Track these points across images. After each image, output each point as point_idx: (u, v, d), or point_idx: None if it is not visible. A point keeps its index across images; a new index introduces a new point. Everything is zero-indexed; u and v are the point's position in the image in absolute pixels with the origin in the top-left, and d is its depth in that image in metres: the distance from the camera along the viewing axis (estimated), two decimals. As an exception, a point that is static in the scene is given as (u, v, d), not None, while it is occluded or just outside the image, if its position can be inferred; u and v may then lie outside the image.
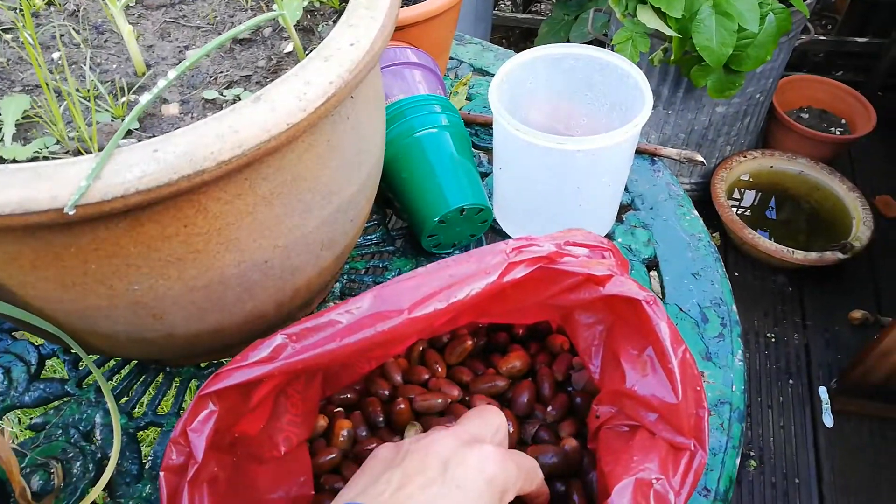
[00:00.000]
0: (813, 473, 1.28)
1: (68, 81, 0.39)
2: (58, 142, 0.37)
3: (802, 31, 1.41)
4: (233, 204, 0.35)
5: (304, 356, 0.33)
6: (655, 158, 0.69)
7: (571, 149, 0.49)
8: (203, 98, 0.40)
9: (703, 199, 1.61)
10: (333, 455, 0.41)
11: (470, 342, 0.45)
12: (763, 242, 1.49)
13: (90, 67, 0.42)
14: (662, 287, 0.57)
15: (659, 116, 1.49)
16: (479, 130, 0.72)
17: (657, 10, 1.14)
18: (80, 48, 0.43)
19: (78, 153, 0.36)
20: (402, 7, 0.64)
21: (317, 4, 0.46)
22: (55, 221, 0.30)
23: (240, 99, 0.39)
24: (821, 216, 1.64)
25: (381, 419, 0.43)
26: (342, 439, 0.42)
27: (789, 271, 1.59)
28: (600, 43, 1.50)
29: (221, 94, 0.40)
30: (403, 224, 0.63)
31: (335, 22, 0.44)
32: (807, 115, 1.81)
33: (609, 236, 0.61)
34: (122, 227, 0.33)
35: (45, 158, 0.36)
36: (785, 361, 1.44)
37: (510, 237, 0.54)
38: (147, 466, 0.46)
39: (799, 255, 1.47)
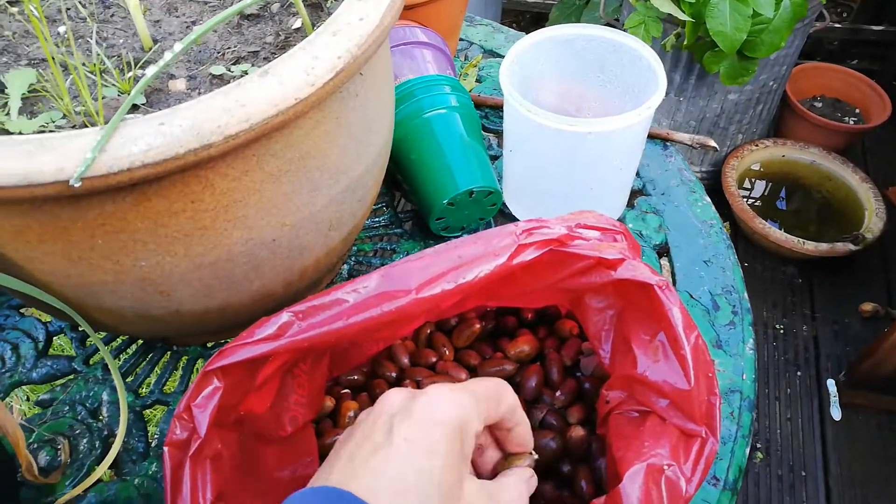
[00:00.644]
0: (820, 466, 1.27)
1: (74, 56, 0.38)
2: (64, 116, 0.36)
3: (818, 17, 1.39)
4: (240, 180, 0.34)
5: (310, 334, 0.33)
6: (667, 143, 0.68)
7: (583, 130, 0.48)
8: (210, 74, 0.39)
9: (712, 188, 1.60)
10: (340, 436, 0.41)
11: (478, 325, 0.45)
12: (773, 232, 1.48)
13: (96, 42, 0.41)
14: (673, 273, 0.56)
15: (670, 103, 1.47)
16: (488, 113, 0.71)
17: (671, -5, 1.12)
18: (87, 22, 0.43)
19: (84, 127, 0.36)
20: (412, -14, 0.63)
21: (327, -20, 0.46)
22: (61, 194, 0.29)
23: (247, 74, 0.39)
24: (832, 207, 1.62)
25: (387, 401, 0.43)
26: (349, 420, 0.41)
27: (799, 262, 1.58)
28: (612, 27, 1.48)
29: (229, 70, 0.39)
30: (412, 206, 0.63)
31: (344, -2, 0.43)
32: (820, 104, 1.78)
33: (620, 221, 0.60)
34: (128, 201, 0.32)
35: (52, 132, 0.35)
36: (793, 353, 1.43)
37: (519, 220, 0.54)
38: (153, 444, 0.46)
39: (810, 246, 1.45)
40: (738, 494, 0.43)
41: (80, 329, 0.53)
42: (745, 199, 1.57)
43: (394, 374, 0.44)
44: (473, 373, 0.44)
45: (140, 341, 0.52)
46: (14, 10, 0.43)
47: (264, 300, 0.43)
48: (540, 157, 0.53)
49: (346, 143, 0.39)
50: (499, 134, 0.69)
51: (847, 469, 1.26)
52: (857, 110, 1.76)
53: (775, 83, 1.47)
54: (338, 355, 0.42)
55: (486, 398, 0.31)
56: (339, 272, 0.57)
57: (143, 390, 0.50)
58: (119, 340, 0.53)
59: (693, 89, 1.43)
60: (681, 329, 0.33)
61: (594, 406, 0.41)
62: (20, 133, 0.35)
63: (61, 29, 0.42)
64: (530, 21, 2.23)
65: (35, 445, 0.44)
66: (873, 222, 1.49)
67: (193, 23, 0.43)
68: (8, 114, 0.36)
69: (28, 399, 1.06)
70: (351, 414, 0.42)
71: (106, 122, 0.35)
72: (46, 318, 0.53)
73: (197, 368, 0.50)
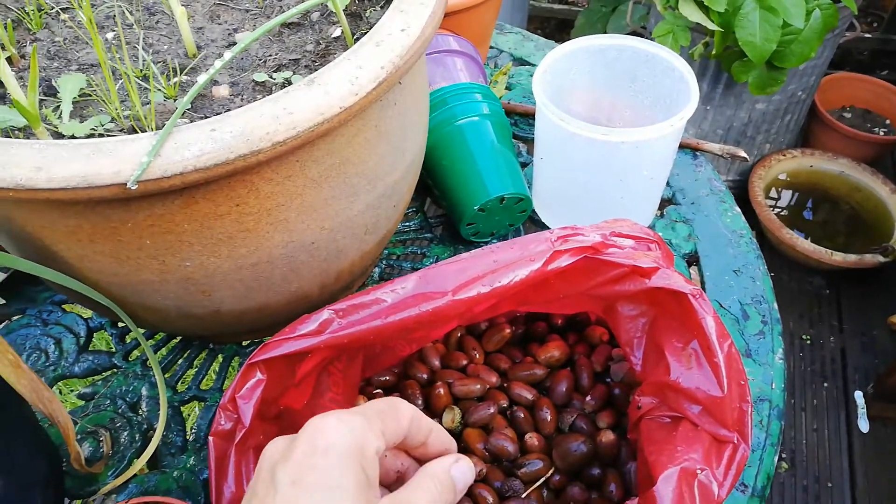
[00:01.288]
0: (846, 478, 1.25)
1: (125, 62, 0.40)
2: (112, 119, 0.38)
3: (848, 28, 1.37)
4: (283, 185, 0.35)
5: (349, 331, 0.33)
6: (697, 153, 0.68)
7: (615, 140, 0.49)
8: (253, 80, 0.40)
9: (739, 198, 1.58)
10: None
11: (508, 330, 0.46)
12: (801, 243, 1.46)
13: (142, 48, 0.43)
14: (703, 283, 0.56)
15: (697, 112, 1.47)
16: (518, 120, 0.72)
17: (699, 4, 1.12)
18: (133, 29, 0.44)
19: (133, 131, 0.37)
20: (446, -5, 0.64)
21: (366, -10, 0.47)
22: (116, 196, 0.30)
23: (290, 82, 0.40)
24: (861, 218, 1.60)
25: (419, 402, 0.43)
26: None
27: (826, 273, 1.56)
28: (639, 36, 1.48)
29: (271, 77, 0.40)
30: (442, 211, 0.63)
31: (382, 7, 0.45)
32: (849, 115, 1.76)
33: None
34: (177, 204, 0.33)
35: (101, 135, 0.37)
36: (820, 364, 1.42)
37: (548, 227, 0.54)
38: (191, 439, 0.47)
39: (838, 257, 1.44)
40: (765, 502, 0.43)
41: (119, 325, 0.54)
42: (771, 209, 1.56)
43: (425, 376, 0.45)
44: (503, 376, 0.45)
45: (177, 339, 0.54)
46: (65, 16, 0.45)
47: (300, 301, 0.44)
48: (571, 166, 0.54)
49: (384, 150, 0.40)
50: (528, 141, 0.70)
51: (874, 482, 1.24)
52: (888, 121, 1.73)
53: (804, 93, 1.46)
54: (371, 356, 0.43)
55: (380, 413, 0.28)
56: (371, 275, 0.58)
57: (181, 386, 0.51)
58: (158, 337, 0.54)
59: (720, 98, 1.42)
60: (714, 337, 0.33)
61: (624, 411, 0.42)
62: (73, 136, 0.36)
63: (109, 35, 0.44)
64: (555, 28, 2.24)
65: (79, 437, 0.46)
66: (903, 234, 1.47)
67: (235, 30, 0.44)
68: (60, 117, 0.38)
69: (61, 393, 1.08)
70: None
71: (155, 127, 0.37)
72: (87, 313, 0.55)
73: (233, 366, 0.52)
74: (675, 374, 0.35)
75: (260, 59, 0.42)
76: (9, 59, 0.41)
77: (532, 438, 0.41)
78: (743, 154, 0.66)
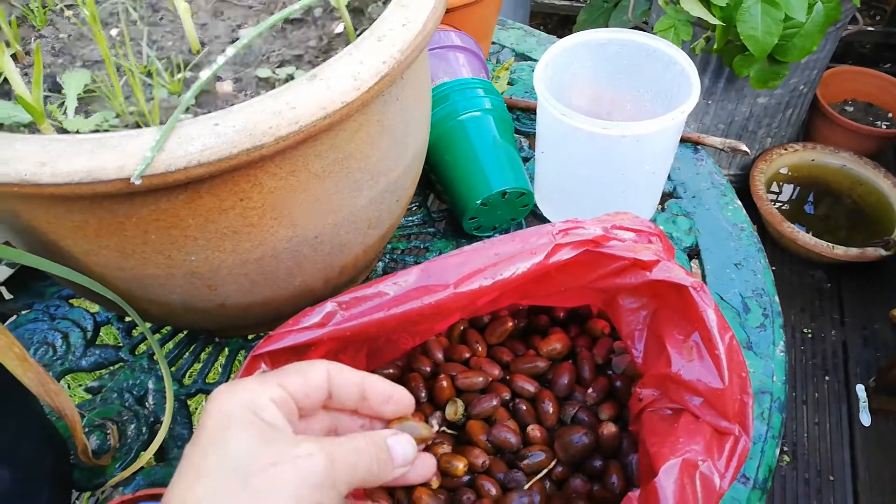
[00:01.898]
0: (848, 471, 1.26)
1: (129, 58, 0.40)
2: (117, 115, 0.38)
3: (850, 21, 1.37)
4: (287, 180, 0.36)
5: (352, 323, 0.34)
6: (698, 147, 0.68)
7: (616, 134, 0.49)
8: (256, 76, 0.40)
9: (740, 192, 1.57)
10: None
11: (511, 323, 0.46)
12: (802, 237, 1.46)
13: (146, 44, 0.43)
14: (704, 276, 0.56)
15: (699, 106, 1.47)
16: (520, 115, 0.72)
17: (701, -2, 1.12)
18: (137, 25, 0.44)
19: (137, 126, 0.37)
20: (447, -10, 0.64)
21: (368, -15, 0.47)
22: (120, 191, 0.31)
23: (293, 78, 0.40)
24: (863, 211, 1.60)
25: (423, 394, 0.44)
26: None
27: (827, 266, 1.56)
28: (641, 31, 1.48)
29: (274, 73, 0.40)
30: (444, 206, 0.64)
31: (384, 3, 0.45)
32: (851, 108, 1.76)
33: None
34: (181, 198, 0.34)
35: (105, 131, 0.37)
36: (821, 357, 1.42)
37: (550, 221, 0.54)
38: (196, 433, 0.48)
39: (839, 251, 1.44)
40: (766, 494, 0.43)
41: (125, 320, 0.55)
42: (772, 203, 1.56)
43: (428, 369, 0.45)
44: (506, 369, 0.45)
45: (184, 333, 0.54)
46: (69, 13, 0.45)
47: (304, 295, 0.44)
48: (572, 160, 0.54)
49: (387, 144, 0.41)
50: (530, 136, 0.70)
51: (876, 475, 1.25)
52: (890, 114, 1.73)
53: (806, 87, 1.46)
54: (375, 349, 0.43)
55: (280, 373, 0.29)
56: (374, 269, 0.58)
57: (187, 380, 0.51)
58: (164, 331, 0.55)
59: (722, 92, 1.42)
60: (715, 330, 0.34)
61: (625, 403, 0.42)
62: (77, 132, 0.36)
63: (113, 32, 0.44)
64: (558, 23, 2.23)
65: (86, 430, 0.46)
66: (905, 228, 1.47)
67: (238, 26, 0.44)
68: (65, 113, 0.38)
69: (69, 387, 1.09)
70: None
71: (159, 123, 0.37)
72: (94, 308, 0.55)
73: (238, 360, 0.52)
74: (677, 367, 0.35)
75: (263, 55, 0.42)
76: (13, 56, 0.41)
77: (534, 430, 0.41)
78: (744, 148, 0.66)
